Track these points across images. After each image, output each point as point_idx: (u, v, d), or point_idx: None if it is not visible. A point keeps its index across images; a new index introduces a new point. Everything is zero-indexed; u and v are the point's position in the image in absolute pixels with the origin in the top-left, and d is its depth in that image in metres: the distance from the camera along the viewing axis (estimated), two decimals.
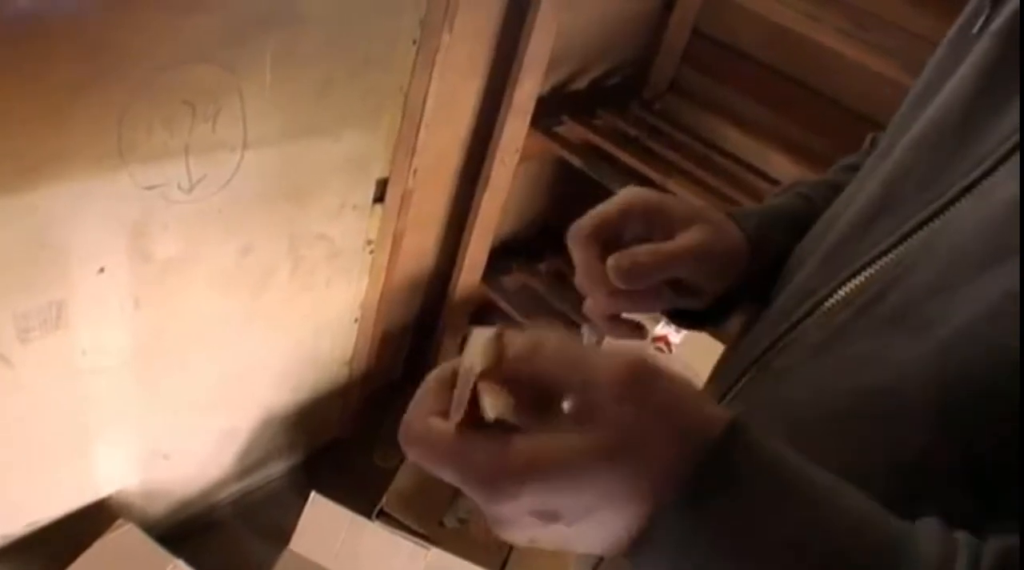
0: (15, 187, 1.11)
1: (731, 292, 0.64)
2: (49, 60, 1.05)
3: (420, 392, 0.40)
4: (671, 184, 1.82)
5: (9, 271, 1.18)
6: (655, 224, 0.61)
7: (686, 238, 0.59)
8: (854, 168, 0.71)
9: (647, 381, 0.36)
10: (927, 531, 0.36)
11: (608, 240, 0.60)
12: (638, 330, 0.65)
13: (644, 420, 0.35)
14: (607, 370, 0.36)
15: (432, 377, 0.41)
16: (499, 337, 0.38)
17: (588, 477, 0.35)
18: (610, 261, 0.57)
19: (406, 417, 0.39)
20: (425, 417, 0.38)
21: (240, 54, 1.25)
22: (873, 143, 0.76)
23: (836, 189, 0.67)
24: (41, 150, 1.11)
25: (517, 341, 0.38)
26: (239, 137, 1.33)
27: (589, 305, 0.63)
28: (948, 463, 0.40)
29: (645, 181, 1.87)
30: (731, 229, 0.63)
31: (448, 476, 0.36)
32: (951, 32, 0.57)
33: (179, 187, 1.31)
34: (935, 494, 0.41)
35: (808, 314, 0.52)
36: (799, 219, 0.67)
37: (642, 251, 0.57)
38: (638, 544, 0.37)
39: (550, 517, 0.36)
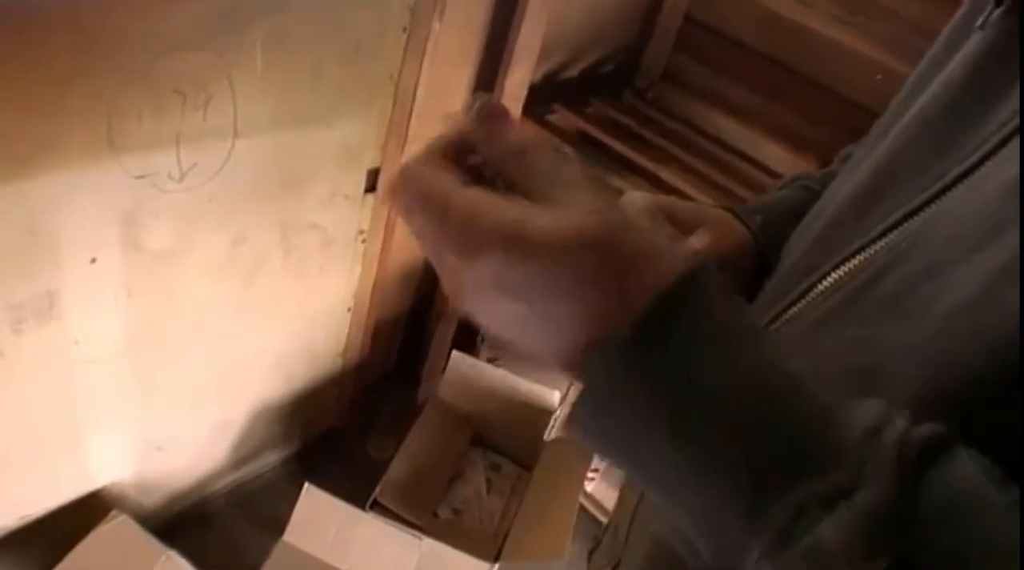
0: (4, 175, 1.10)
1: (746, 290, 0.65)
2: (39, 49, 1.04)
3: (423, 151, 0.40)
4: (664, 172, 1.82)
5: (0, 261, 1.17)
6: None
7: (693, 242, 0.60)
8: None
9: (623, 215, 0.36)
10: (866, 403, 0.35)
11: None
12: None
13: (611, 228, 0.35)
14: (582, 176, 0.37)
15: (433, 142, 0.40)
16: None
17: (549, 262, 0.34)
18: None
19: (407, 162, 0.39)
20: (424, 165, 0.38)
21: (231, 42, 1.24)
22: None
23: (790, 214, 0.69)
24: (30, 139, 1.10)
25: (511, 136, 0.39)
26: (230, 125, 1.33)
27: None
28: None
29: (638, 169, 1.87)
30: (736, 227, 0.64)
31: (428, 224, 0.37)
32: (952, 21, 0.57)
33: (170, 176, 1.30)
34: None
35: (801, 296, 0.52)
36: (804, 211, 0.68)
37: None
38: (580, 364, 0.36)
39: (511, 293, 0.35)
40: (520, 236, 0.34)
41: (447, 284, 0.38)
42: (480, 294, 0.37)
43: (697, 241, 0.60)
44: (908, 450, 0.33)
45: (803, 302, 0.52)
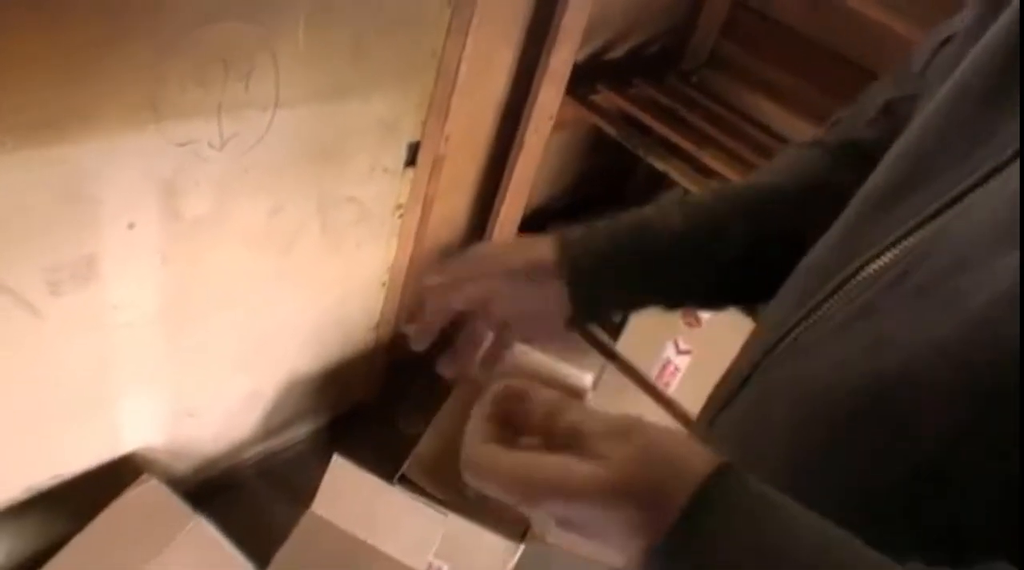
0: (45, 139, 1.11)
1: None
2: (73, 13, 1.03)
3: (471, 425, 0.48)
4: (705, 156, 1.79)
5: (39, 223, 1.18)
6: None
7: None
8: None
9: (641, 429, 0.43)
10: None
11: None
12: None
13: (642, 464, 0.41)
14: (606, 421, 0.44)
15: (477, 412, 0.49)
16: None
17: (598, 505, 0.41)
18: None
19: (467, 450, 0.46)
20: (482, 444, 0.46)
21: (274, 13, 1.23)
22: (834, 124, 0.80)
23: (737, 212, 0.70)
24: (70, 103, 1.10)
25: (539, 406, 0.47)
26: (271, 96, 1.32)
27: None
28: (965, 463, 0.39)
29: (679, 152, 1.84)
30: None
31: (497, 492, 0.44)
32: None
33: (210, 145, 1.30)
34: (950, 496, 0.40)
35: (832, 293, 0.50)
36: (639, 237, 0.70)
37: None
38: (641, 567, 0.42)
39: (568, 526, 0.43)
40: (566, 490, 0.41)
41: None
42: (546, 526, 0.45)
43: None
44: None
45: (830, 303, 0.50)
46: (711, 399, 0.63)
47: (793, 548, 0.38)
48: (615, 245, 0.68)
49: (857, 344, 0.46)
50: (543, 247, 0.68)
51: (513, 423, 0.48)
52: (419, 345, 0.72)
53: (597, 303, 0.69)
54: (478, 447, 0.46)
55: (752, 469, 0.41)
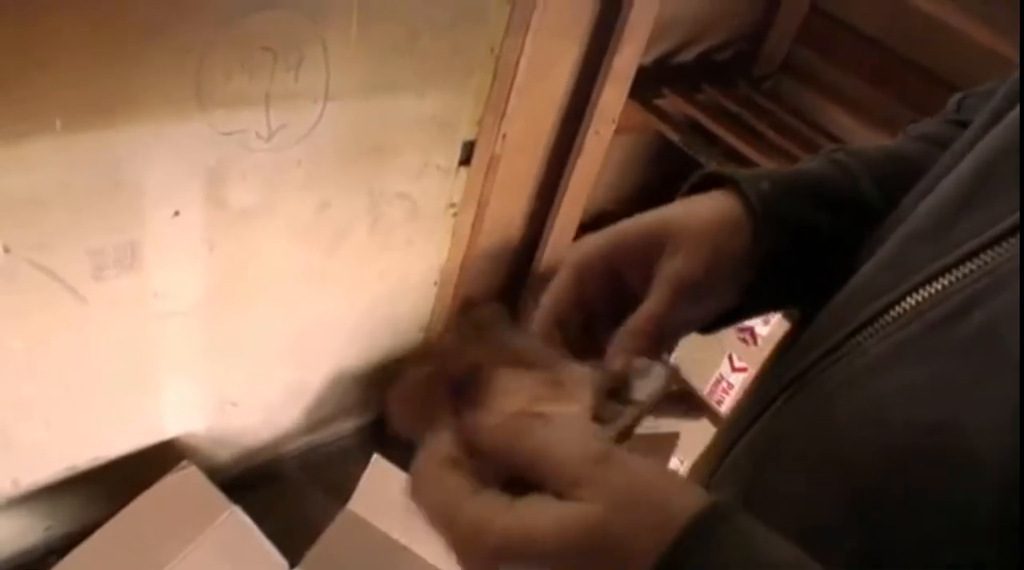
0: (90, 123, 1.11)
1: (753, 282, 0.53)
2: None
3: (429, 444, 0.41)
4: (772, 166, 1.72)
5: (84, 206, 1.18)
6: (623, 272, 0.52)
7: (664, 285, 0.49)
8: (930, 139, 0.59)
9: (616, 462, 0.36)
10: None
11: (574, 318, 0.52)
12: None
13: (619, 508, 0.35)
14: (577, 452, 0.37)
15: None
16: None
17: (564, 559, 0.35)
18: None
19: (416, 465, 0.40)
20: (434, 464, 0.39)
21: (325, 2, 1.21)
22: (960, 108, 0.63)
23: (896, 160, 0.56)
24: (116, 90, 1.10)
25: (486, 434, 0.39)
26: (321, 88, 1.30)
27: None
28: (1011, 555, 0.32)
29: (745, 162, 1.78)
30: (707, 217, 0.51)
31: (440, 534, 0.38)
32: None
33: (258, 135, 1.29)
34: None
35: (868, 323, 0.42)
36: (825, 188, 0.55)
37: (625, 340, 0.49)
38: None
39: None
40: (527, 546, 0.35)
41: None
42: None
43: (668, 268, 0.49)
44: None
45: (865, 332, 0.42)
46: (719, 437, 0.56)
47: None
48: (816, 197, 0.55)
49: (891, 389, 0.39)
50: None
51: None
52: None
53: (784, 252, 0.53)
54: (432, 475, 0.39)
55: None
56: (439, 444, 0.40)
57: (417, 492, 0.38)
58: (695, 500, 0.35)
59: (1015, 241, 0.37)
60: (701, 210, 0.52)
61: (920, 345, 0.39)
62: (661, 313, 0.48)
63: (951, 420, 0.35)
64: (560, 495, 0.36)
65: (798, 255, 0.53)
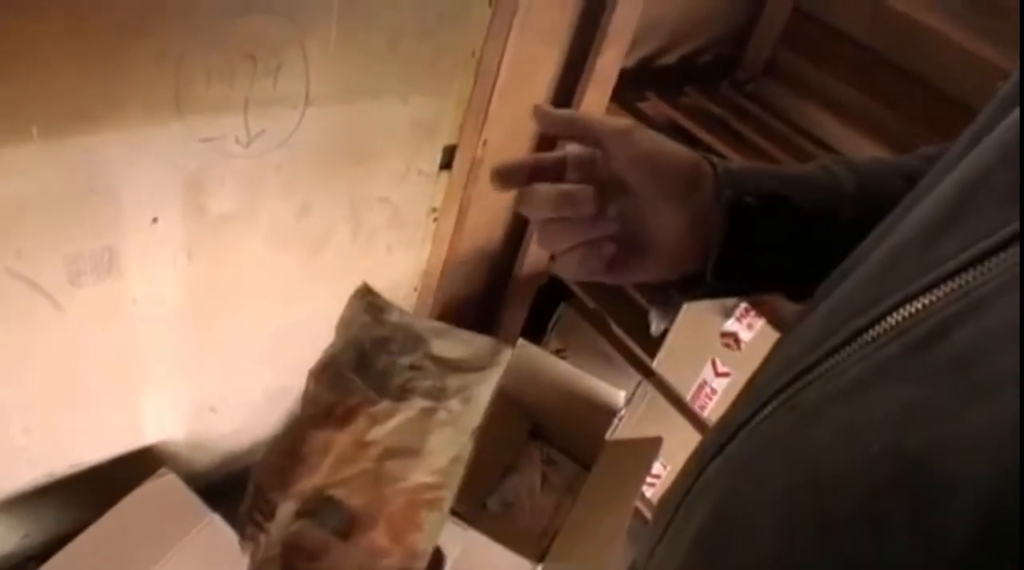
0: (68, 130, 1.09)
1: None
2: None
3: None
4: None
5: (60, 212, 1.16)
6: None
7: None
8: (931, 157, 0.58)
9: None
10: None
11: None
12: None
13: None
14: None
15: None
16: None
17: None
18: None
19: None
20: None
21: (305, 6, 1.20)
22: None
23: (884, 164, 0.58)
24: (93, 93, 1.08)
25: None
26: (301, 93, 1.29)
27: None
28: None
29: None
30: (694, 160, 0.59)
31: None
32: None
33: (237, 141, 1.28)
34: None
35: (848, 341, 0.41)
36: (790, 171, 0.60)
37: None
38: None
39: None
40: None
41: None
42: None
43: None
44: None
45: (845, 351, 0.40)
46: (691, 462, 0.56)
47: None
48: (783, 185, 0.60)
49: (869, 412, 0.37)
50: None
51: None
52: (500, 184, 0.61)
53: (750, 246, 0.58)
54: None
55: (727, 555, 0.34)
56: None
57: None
58: None
59: (997, 261, 0.35)
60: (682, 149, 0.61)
61: (898, 367, 0.37)
62: (597, 120, 0.59)
63: (927, 446, 0.34)
64: None
65: (768, 232, 0.59)
